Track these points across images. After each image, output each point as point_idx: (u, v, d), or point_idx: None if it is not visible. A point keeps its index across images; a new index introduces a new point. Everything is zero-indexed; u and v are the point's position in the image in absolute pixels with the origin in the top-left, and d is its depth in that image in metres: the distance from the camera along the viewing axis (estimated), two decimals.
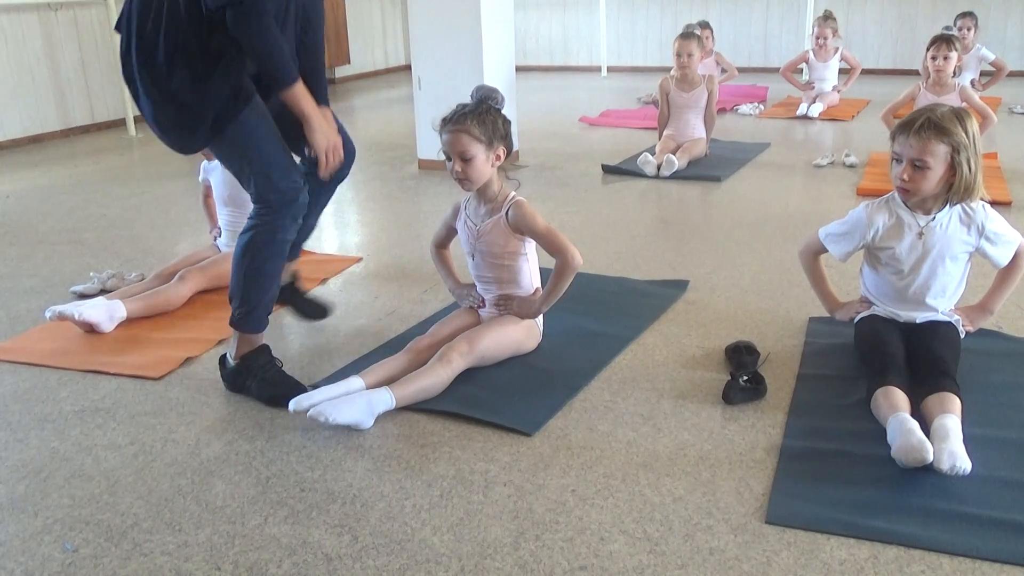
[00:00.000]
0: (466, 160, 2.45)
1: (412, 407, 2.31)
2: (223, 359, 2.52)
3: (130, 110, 6.95)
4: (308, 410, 2.16)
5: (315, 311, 2.93)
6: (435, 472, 2.04)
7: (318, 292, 3.23)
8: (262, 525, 1.85)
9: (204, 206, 3.59)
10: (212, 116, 2.23)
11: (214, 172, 3.41)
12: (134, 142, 6.65)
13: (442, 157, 2.53)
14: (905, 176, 2.29)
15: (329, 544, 1.78)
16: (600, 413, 2.30)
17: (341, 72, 10.22)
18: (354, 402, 2.19)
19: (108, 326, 2.89)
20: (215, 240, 3.48)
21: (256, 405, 2.38)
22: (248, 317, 2.44)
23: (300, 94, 2.29)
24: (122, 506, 1.94)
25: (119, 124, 7.16)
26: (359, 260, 3.65)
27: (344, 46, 10.08)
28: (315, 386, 2.42)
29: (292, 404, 2.19)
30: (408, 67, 5.63)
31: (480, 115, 2.46)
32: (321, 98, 2.43)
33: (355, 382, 2.30)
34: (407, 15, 5.28)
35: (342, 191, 4.90)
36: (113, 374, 2.60)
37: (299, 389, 2.35)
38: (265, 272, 2.42)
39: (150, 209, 4.59)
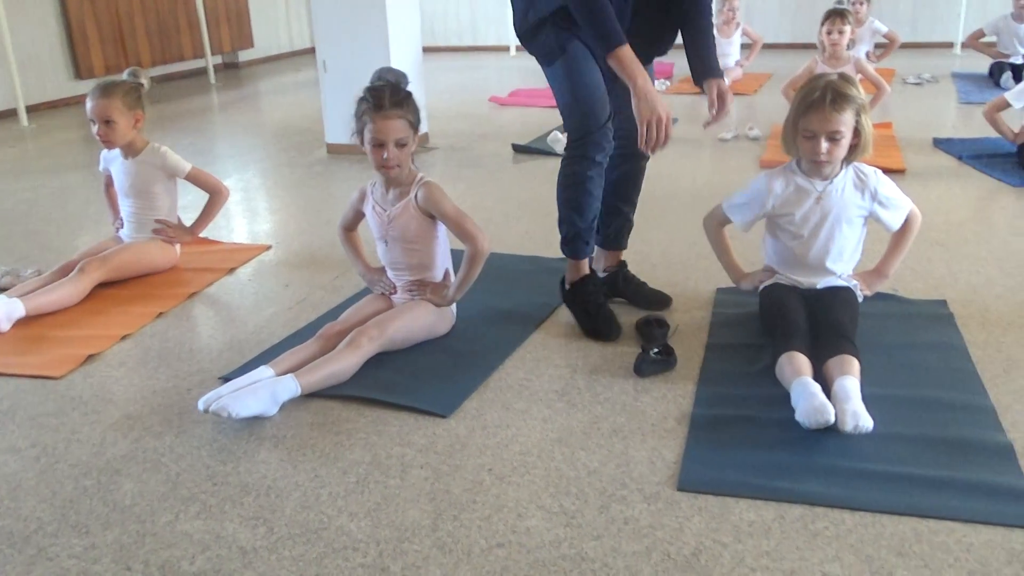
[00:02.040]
0: (402, 146, 2.42)
1: (326, 394, 2.28)
2: (563, 280, 2.74)
3: (22, 100, 6.65)
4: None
5: (657, 299, 2.83)
6: (351, 459, 2.03)
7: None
8: (173, 522, 1.82)
9: (106, 196, 3.48)
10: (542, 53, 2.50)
11: (115, 162, 3.30)
12: (27, 133, 6.39)
13: (355, 141, 2.48)
14: (825, 150, 2.35)
15: (244, 537, 1.76)
16: (515, 391, 2.32)
17: (245, 56, 9.98)
18: (257, 392, 2.15)
19: (5, 326, 2.77)
20: (117, 232, 3.37)
21: (165, 400, 2.32)
22: (571, 243, 2.66)
23: (623, 59, 2.27)
24: (24, 511, 1.87)
25: (10, 115, 6.85)
26: (268, 248, 3.58)
27: (247, 29, 9.84)
28: (225, 379, 2.38)
29: (201, 403, 2.14)
30: (313, 50, 5.55)
31: (409, 99, 2.44)
32: (655, 52, 2.51)
33: (264, 372, 2.26)
34: None
35: (249, 178, 4.81)
36: (12, 375, 2.50)
37: (614, 330, 2.59)
38: (575, 201, 2.60)
39: (46, 203, 4.42)
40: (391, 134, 2.40)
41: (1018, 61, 6.87)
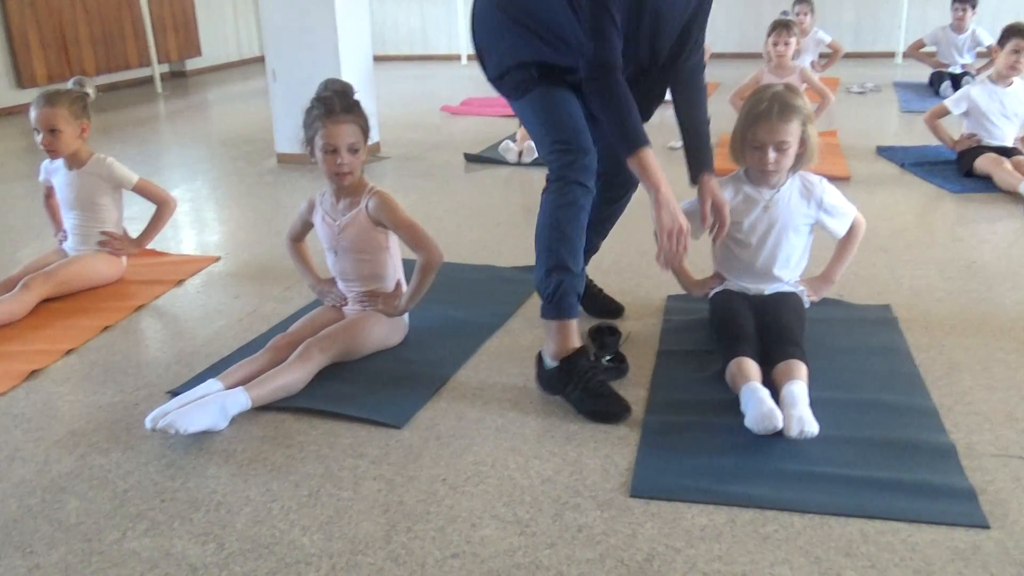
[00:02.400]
0: (354, 152, 2.42)
1: (277, 406, 2.26)
2: (540, 357, 2.34)
3: None
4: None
5: (611, 308, 2.80)
6: (303, 471, 2.01)
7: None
8: (120, 540, 1.78)
9: (46, 208, 3.41)
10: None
11: (58, 173, 3.23)
12: None
13: (306, 151, 2.47)
14: (773, 160, 2.39)
15: (193, 554, 1.73)
16: (469, 401, 2.32)
17: (192, 64, 9.84)
18: (206, 406, 2.12)
19: None
20: (61, 244, 3.31)
21: (112, 416, 2.28)
22: (561, 299, 2.26)
23: (646, 162, 2.12)
24: None
25: None
26: (217, 259, 3.54)
27: (194, 37, 9.71)
28: (174, 393, 2.34)
29: (148, 420, 2.10)
30: (262, 58, 5.49)
31: (359, 106, 2.43)
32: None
33: (213, 386, 2.23)
34: (259, 5, 5.13)
35: (197, 188, 4.74)
36: None
37: (624, 406, 2.18)
38: (566, 238, 2.25)
39: None
40: (343, 139, 2.39)
41: (957, 70, 7.06)
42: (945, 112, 4.51)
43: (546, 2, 2.24)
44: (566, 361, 2.25)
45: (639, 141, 2.13)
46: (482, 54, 2.42)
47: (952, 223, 3.76)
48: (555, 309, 2.25)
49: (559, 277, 2.22)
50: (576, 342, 2.28)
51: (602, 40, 2.13)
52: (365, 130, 2.46)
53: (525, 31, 2.28)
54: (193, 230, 4.04)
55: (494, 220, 3.95)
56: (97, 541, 1.78)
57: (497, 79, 2.41)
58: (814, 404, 2.09)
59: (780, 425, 2.01)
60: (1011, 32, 4.31)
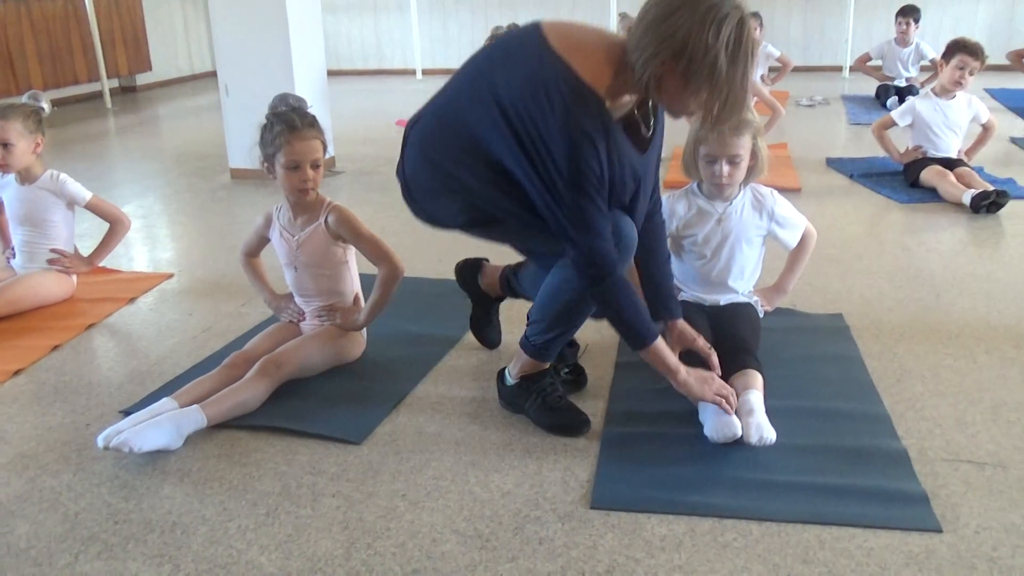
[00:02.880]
0: (317, 168, 2.40)
1: (233, 424, 2.23)
2: (501, 374, 2.33)
3: None
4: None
5: (492, 337, 2.72)
6: (260, 490, 1.98)
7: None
8: (72, 563, 1.74)
9: None
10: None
11: (7, 188, 3.17)
12: None
13: (263, 168, 2.45)
14: (726, 173, 2.42)
15: None
16: (428, 415, 2.31)
17: (143, 79, 9.72)
18: (160, 425, 2.09)
19: None
20: (9, 262, 3.24)
21: (62, 436, 2.23)
22: (550, 350, 2.25)
23: (658, 352, 2.04)
24: None
25: None
26: (170, 276, 3.49)
27: (144, 52, 9.59)
28: (126, 412, 2.30)
29: (100, 439, 2.06)
30: (214, 73, 5.44)
31: (317, 121, 2.42)
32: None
33: (167, 404, 2.19)
34: (210, 19, 5.09)
35: (149, 205, 4.68)
36: None
37: (583, 419, 2.19)
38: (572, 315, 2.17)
39: None
40: (308, 155, 2.38)
41: (902, 84, 7.22)
42: (891, 123, 4.60)
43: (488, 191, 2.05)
44: (526, 379, 2.26)
45: (649, 337, 2.03)
46: (434, 219, 2.29)
47: (900, 233, 3.84)
48: (539, 353, 2.24)
49: (559, 332, 2.20)
50: (545, 367, 2.28)
51: (591, 235, 1.92)
52: (325, 145, 2.46)
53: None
54: (145, 247, 3.98)
55: (451, 235, 3.92)
56: (48, 565, 1.74)
57: (466, 225, 2.22)
58: (770, 412, 2.11)
59: (739, 433, 2.04)
60: (955, 48, 4.41)
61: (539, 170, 1.89)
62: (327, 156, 2.55)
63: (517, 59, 1.94)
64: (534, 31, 1.94)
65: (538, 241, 2.11)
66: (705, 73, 1.77)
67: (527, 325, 2.25)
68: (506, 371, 2.33)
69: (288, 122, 2.37)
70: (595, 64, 1.87)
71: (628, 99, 1.95)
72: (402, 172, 2.24)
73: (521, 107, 1.87)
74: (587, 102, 1.85)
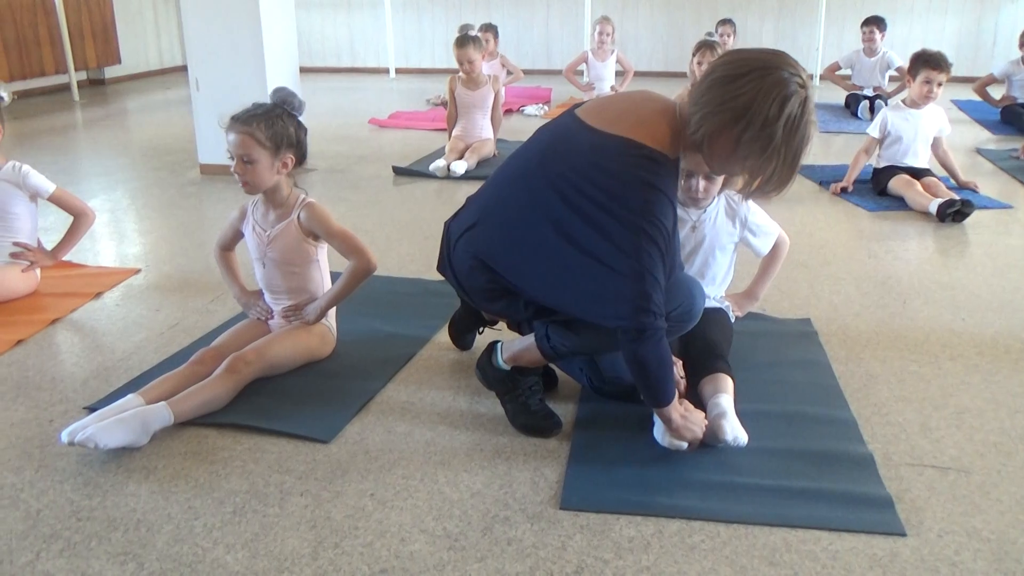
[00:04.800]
0: (248, 163, 2.37)
1: (200, 422, 2.21)
2: (493, 347, 2.30)
3: None
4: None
5: (468, 342, 2.70)
6: (227, 488, 1.96)
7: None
8: (33, 561, 1.71)
9: None
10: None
11: None
12: None
13: (228, 158, 2.43)
14: (702, 188, 2.42)
15: (111, 574, 1.67)
16: (397, 415, 2.30)
17: (111, 72, 9.59)
18: (126, 422, 2.06)
19: None
20: None
21: (24, 432, 2.20)
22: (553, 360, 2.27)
23: (668, 411, 2.01)
24: None
25: None
26: (138, 271, 3.44)
27: (113, 44, 9.46)
28: (91, 409, 2.27)
29: (64, 435, 2.03)
30: (185, 67, 5.37)
31: (270, 119, 2.39)
32: None
33: (133, 401, 2.16)
34: (181, 13, 5.03)
35: (117, 199, 4.62)
36: None
37: (555, 422, 2.20)
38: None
39: None
40: (234, 149, 2.38)
41: (869, 93, 7.30)
42: (874, 143, 4.63)
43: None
44: (517, 370, 2.25)
45: (668, 399, 1.99)
46: (496, 313, 2.32)
47: (868, 240, 3.89)
48: (552, 357, 2.22)
49: (587, 354, 2.23)
50: (539, 366, 2.28)
51: (649, 282, 1.85)
52: (262, 142, 2.37)
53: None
54: (112, 241, 3.92)
55: (423, 233, 3.93)
56: (8, 563, 1.71)
57: (533, 316, 2.15)
58: (739, 416, 2.13)
59: (684, 446, 2.06)
60: (919, 63, 4.46)
61: (606, 231, 1.87)
62: (306, 157, 2.53)
63: (567, 153, 1.96)
64: (574, 122, 2.00)
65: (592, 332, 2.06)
66: (760, 143, 1.82)
67: (553, 330, 2.17)
68: (498, 348, 2.30)
69: (240, 112, 2.39)
70: (653, 128, 1.90)
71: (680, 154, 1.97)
72: (450, 268, 2.21)
73: (587, 185, 1.89)
74: (658, 162, 1.88)
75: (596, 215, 1.87)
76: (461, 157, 5.20)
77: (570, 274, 1.93)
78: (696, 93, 1.87)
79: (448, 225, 2.25)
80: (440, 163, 5.05)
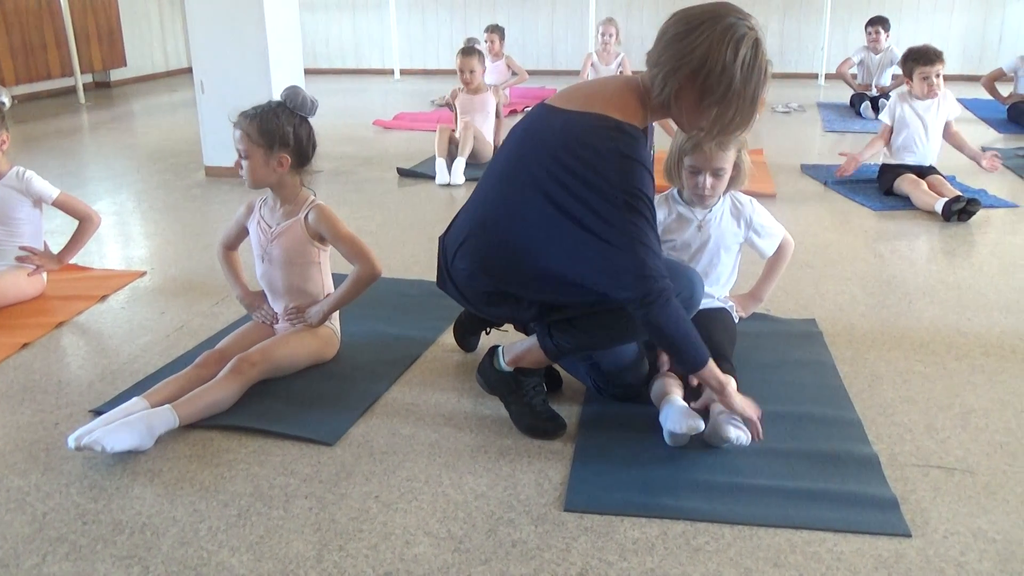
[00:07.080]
0: (244, 158, 2.40)
1: (205, 424, 2.21)
2: (494, 351, 2.31)
3: None
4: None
5: (472, 343, 2.71)
6: (232, 491, 1.96)
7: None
8: (39, 565, 1.72)
9: None
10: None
11: None
12: None
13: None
14: (709, 185, 2.42)
15: None
16: (402, 417, 2.30)
17: (117, 75, 9.62)
18: (132, 425, 2.06)
19: None
20: None
21: (31, 436, 2.20)
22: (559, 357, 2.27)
23: (711, 372, 2.01)
24: None
25: None
26: (143, 274, 3.45)
27: (119, 47, 9.49)
28: (97, 412, 2.27)
29: (71, 440, 2.03)
30: (190, 70, 5.39)
31: (266, 117, 2.40)
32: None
33: (138, 404, 2.17)
34: (186, 15, 5.04)
35: (122, 202, 4.63)
36: None
37: (560, 423, 2.21)
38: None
39: None
40: (235, 143, 2.42)
41: (874, 92, 7.28)
42: (887, 129, 4.60)
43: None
44: (520, 371, 2.25)
45: (701, 360, 2.00)
46: (500, 317, 2.36)
47: (873, 240, 3.88)
48: (556, 357, 2.24)
49: (589, 352, 2.24)
50: (542, 366, 2.29)
51: (645, 250, 1.90)
52: (261, 142, 2.39)
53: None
54: (118, 244, 3.93)
55: (428, 235, 3.93)
56: (15, 567, 1.71)
57: (538, 316, 2.18)
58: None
59: (701, 427, 2.06)
60: (910, 62, 4.46)
61: (592, 207, 1.91)
62: (310, 159, 2.54)
63: (542, 138, 2.01)
64: (543, 109, 2.06)
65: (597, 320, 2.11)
66: (721, 88, 1.87)
67: (556, 328, 2.18)
68: (499, 352, 2.31)
69: (249, 109, 2.44)
70: (621, 102, 1.97)
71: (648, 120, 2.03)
72: (450, 281, 2.24)
73: (570, 160, 1.93)
74: (629, 134, 1.94)
75: (582, 192, 1.92)
76: (449, 149, 5.18)
77: (577, 249, 1.97)
78: (654, 55, 1.94)
79: (442, 240, 2.28)
80: (441, 174, 5.01)
